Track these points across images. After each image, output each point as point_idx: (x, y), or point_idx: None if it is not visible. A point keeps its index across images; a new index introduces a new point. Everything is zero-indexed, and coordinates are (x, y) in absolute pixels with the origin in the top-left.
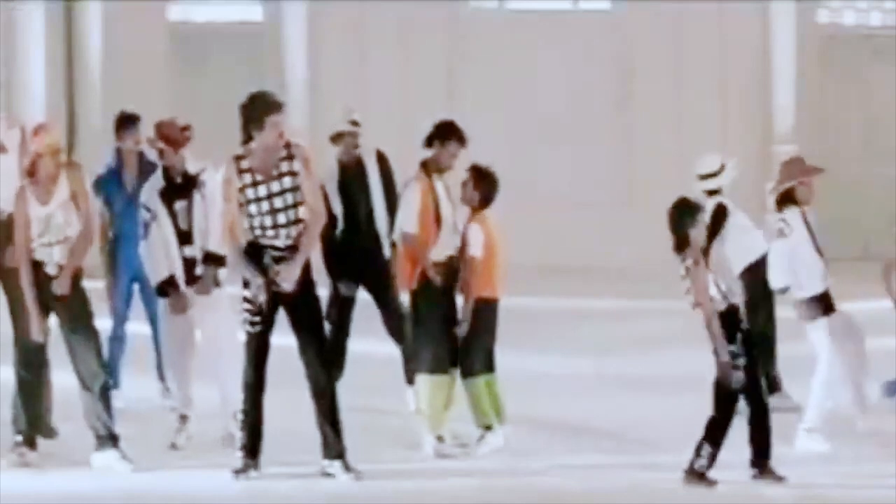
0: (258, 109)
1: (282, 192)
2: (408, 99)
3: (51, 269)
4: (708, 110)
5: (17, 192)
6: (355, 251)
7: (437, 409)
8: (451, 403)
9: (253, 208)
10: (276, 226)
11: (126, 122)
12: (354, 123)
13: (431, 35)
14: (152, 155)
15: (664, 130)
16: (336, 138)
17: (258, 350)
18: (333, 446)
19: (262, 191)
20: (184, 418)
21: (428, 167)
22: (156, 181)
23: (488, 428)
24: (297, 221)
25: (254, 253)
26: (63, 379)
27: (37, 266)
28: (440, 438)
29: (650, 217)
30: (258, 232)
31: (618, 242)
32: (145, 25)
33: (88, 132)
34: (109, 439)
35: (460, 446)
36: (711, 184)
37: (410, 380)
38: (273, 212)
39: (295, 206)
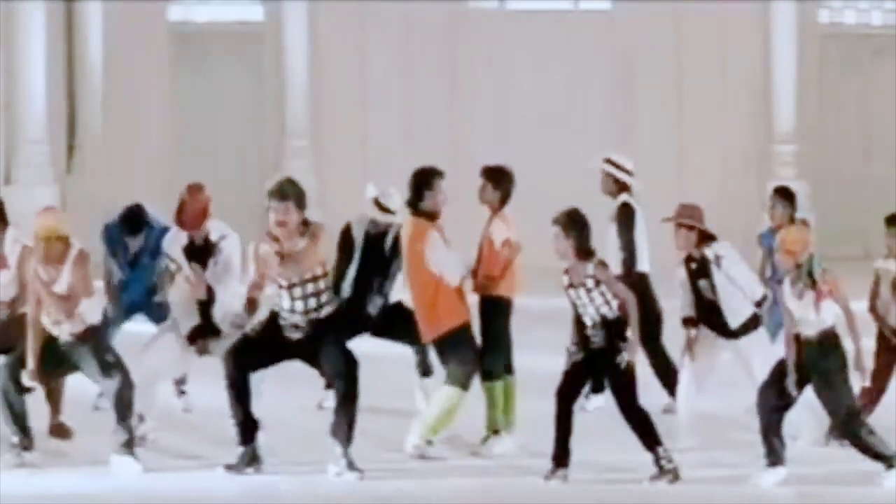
0: (268, 192)
1: (303, 283)
2: (408, 99)
3: (63, 337)
4: (708, 110)
5: (23, 252)
6: (364, 313)
7: (448, 420)
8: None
9: (281, 293)
10: (291, 311)
11: (132, 225)
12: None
13: (432, 35)
14: (157, 215)
15: (664, 130)
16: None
17: (244, 355)
18: (337, 432)
19: (282, 281)
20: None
21: (429, 217)
22: (179, 236)
23: (496, 432)
24: (319, 308)
25: (272, 321)
26: (74, 381)
27: (51, 339)
28: (430, 443)
29: (650, 217)
30: (278, 309)
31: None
32: (145, 25)
33: (89, 133)
34: (126, 445)
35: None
36: (628, 178)
37: (424, 373)
38: (295, 299)
39: (317, 294)
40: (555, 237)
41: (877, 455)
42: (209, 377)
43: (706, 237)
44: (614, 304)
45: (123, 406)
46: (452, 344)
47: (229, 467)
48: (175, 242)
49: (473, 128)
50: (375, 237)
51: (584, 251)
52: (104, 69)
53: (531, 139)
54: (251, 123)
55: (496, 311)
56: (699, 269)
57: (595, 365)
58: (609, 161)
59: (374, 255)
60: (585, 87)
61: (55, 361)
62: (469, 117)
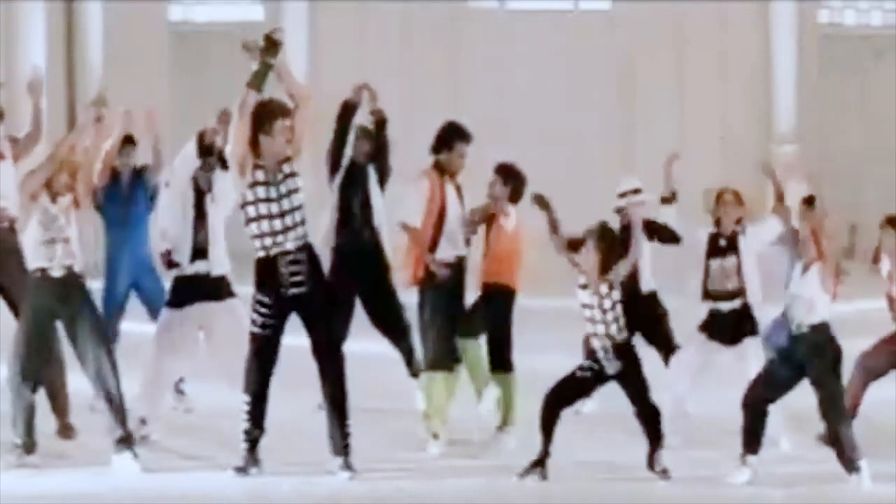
0: (266, 115)
1: (288, 195)
2: (409, 98)
3: (56, 272)
4: (708, 110)
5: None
6: (353, 254)
7: (437, 405)
8: (451, 400)
9: (263, 209)
10: (285, 229)
11: (125, 145)
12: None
13: (432, 35)
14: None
15: (664, 129)
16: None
17: (264, 353)
18: (335, 442)
19: (272, 192)
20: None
21: (440, 168)
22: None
23: (506, 422)
24: (303, 223)
25: (268, 266)
26: (74, 380)
27: (42, 272)
28: (435, 436)
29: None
30: (267, 241)
31: None
32: (145, 25)
33: None
34: (123, 441)
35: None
36: (622, 202)
37: (415, 374)
38: (281, 214)
39: (300, 207)
40: (589, 250)
41: (843, 455)
42: (209, 377)
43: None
44: (623, 324)
45: (114, 406)
46: (419, 309)
47: (239, 469)
48: (186, 161)
49: (473, 127)
50: (361, 167)
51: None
52: (104, 69)
53: (531, 139)
54: None
55: (499, 299)
56: (726, 246)
57: (598, 385)
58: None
59: (359, 183)
60: (585, 87)
61: (47, 314)
62: (469, 117)
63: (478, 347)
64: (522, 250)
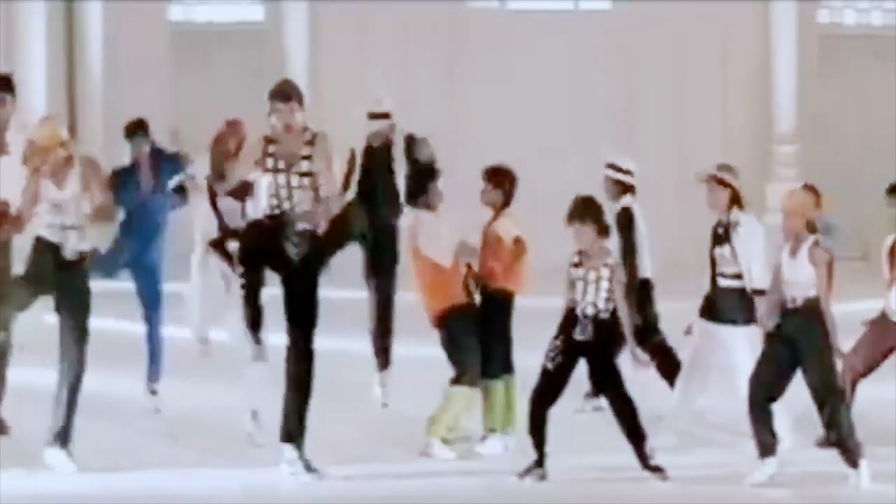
0: (269, 95)
1: (300, 176)
2: (409, 99)
3: (68, 254)
4: (708, 110)
5: (32, 175)
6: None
7: (458, 419)
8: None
9: (272, 191)
10: (293, 209)
11: (136, 131)
12: (385, 116)
13: (432, 35)
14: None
15: (665, 130)
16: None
17: (254, 290)
18: (287, 427)
19: (281, 179)
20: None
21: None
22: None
23: (493, 431)
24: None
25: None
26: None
27: (52, 248)
28: (445, 440)
29: (651, 217)
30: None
31: None
32: (145, 25)
33: (89, 132)
34: (60, 436)
35: (462, 439)
36: (628, 179)
37: (385, 364)
38: (290, 198)
39: (313, 188)
40: (576, 230)
41: (843, 444)
42: (211, 378)
43: (737, 202)
44: (611, 306)
45: (59, 402)
46: (452, 328)
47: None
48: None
49: (473, 127)
50: (379, 150)
51: (604, 230)
52: (104, 69)
53: (531, 139)
54: (251, 123)
55: (496, 306)
56: (723, 235)
57: (573, 366)
58: (610, 165)
59: (378, 165)
60: (585, 87)
61: (41, 277)
62: (469, 117)
63: (497, 387)
64: (522, 252)
